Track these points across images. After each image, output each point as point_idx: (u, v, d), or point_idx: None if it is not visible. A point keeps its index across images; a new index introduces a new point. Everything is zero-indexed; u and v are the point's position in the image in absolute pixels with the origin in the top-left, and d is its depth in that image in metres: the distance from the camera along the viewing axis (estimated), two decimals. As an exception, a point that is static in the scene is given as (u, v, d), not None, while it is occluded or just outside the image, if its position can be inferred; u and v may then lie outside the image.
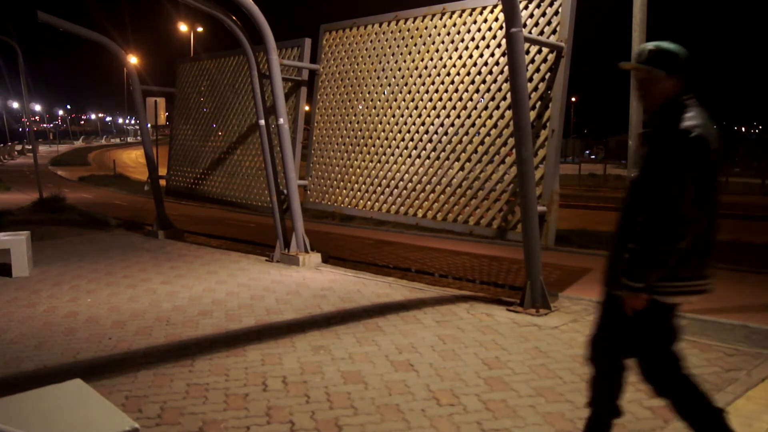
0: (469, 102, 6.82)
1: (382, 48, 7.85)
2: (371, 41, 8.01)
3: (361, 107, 8.15)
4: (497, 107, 6.54)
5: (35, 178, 17.21)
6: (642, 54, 2.64)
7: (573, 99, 69.43)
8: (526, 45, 5.75)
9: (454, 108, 6.95)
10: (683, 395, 2.58)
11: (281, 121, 7.83)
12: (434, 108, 7.16)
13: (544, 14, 6.09)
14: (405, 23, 7.60)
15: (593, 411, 2.83)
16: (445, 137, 7.07)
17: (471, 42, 6.81)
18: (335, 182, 8.43)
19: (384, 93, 7.83)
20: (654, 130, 2.58)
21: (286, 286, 6.75)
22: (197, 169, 10.82)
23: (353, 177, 8.16)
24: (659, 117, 2.59)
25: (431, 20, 7.27)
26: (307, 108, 9.00)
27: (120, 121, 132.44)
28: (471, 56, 6.81)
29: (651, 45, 2.65)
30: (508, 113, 6.38)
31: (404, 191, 7.49)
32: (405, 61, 7.54)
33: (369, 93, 8.01)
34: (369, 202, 7.95)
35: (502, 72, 6.48)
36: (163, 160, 11.74)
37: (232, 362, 4.35)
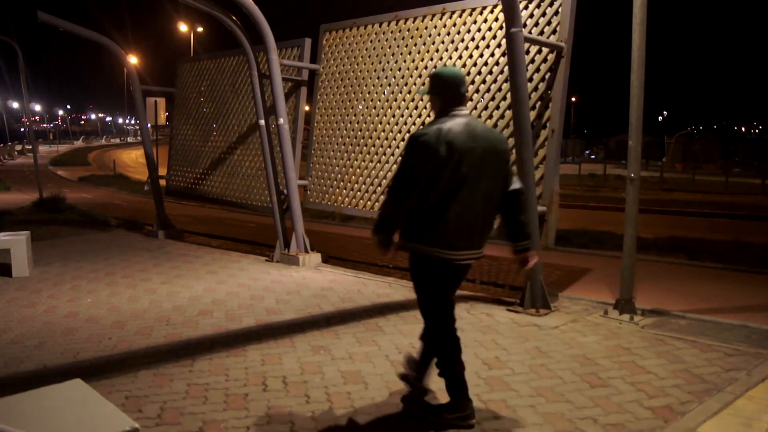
0: (469, 102, 6.82)
1: (382, 48, 7.85)
2: (371, 41, 8.01)
3: (361, 107, 8.15)
4: (497, 107, 6.55)
5: (35, 178, 17.19)
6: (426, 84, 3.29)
7: (573, 99, 69.45)
8: (526, 45, 5.75)
9: (454, 108, 6.94)
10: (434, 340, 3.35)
11: (281, 121, 7.83)
12: (434, 108, 7.16)
13: (544, 14, 6.09)
14: (405, 23, 7.60)
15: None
16: (445, 137, 7.06)
17: (471, 42, 6.82)
18: (335, 182, 8.44)
19: (384, 93, 7.83)
20: None
21: (286, 286, 6.75)
22: (197, 169, 10.82)
23: (353, 177, 8.16)
24: None
25: (431, 20, 7.27)
26: (307, 108, 9.00)
27: (120, 121, 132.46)
28: (471, 56, 6.81)
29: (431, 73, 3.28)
30: (508, 113, 6.38)
31: (404, 191, 7.47)
32: (405, 61, 7.54)
33: (369, 93, 8.01)
34: (369, 202, 7.95)
35: (502, 72, 6.48)
36: (163, 160, 11.74)
37: (232, 362, 4.35)
